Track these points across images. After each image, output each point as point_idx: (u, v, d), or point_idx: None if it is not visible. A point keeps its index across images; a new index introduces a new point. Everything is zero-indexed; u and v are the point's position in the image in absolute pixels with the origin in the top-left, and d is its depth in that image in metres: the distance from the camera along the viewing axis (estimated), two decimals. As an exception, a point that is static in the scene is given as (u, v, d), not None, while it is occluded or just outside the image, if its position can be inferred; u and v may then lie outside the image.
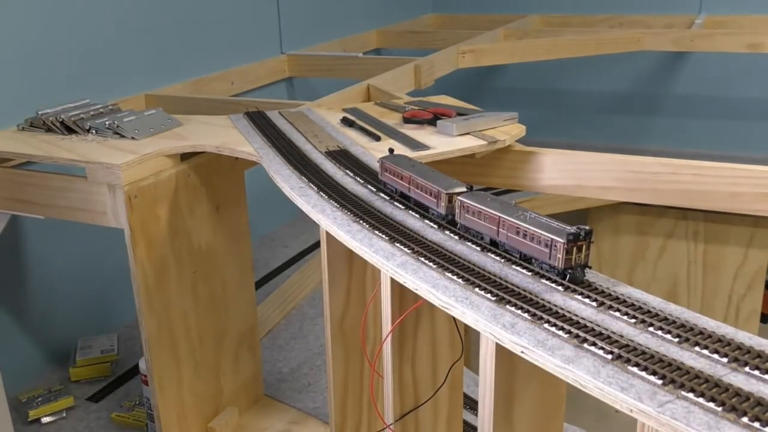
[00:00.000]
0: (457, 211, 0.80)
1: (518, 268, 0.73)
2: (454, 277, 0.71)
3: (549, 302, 0.66)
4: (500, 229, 0.74)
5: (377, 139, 1.22)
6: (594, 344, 0.59)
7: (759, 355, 0.56)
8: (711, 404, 0.51)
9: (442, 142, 1.19)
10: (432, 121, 1.28)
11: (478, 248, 0.77)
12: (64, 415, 1.41)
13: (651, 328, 0.61)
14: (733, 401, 0.51)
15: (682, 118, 2.95)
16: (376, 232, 0.83)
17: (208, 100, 1.70)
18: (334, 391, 1.04)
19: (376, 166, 1.03)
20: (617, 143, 2.82)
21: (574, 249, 0.67)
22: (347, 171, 1.04)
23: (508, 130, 1.24)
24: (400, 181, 0.90)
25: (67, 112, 1.29)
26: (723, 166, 1.12)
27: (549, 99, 3.14)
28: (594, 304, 0.66)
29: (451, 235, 0.81)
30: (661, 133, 2.98)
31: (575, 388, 0.58)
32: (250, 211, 1.33)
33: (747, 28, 2.64)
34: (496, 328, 0.63)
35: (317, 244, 1.95)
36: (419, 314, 0.85)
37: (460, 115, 1.30)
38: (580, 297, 0.67)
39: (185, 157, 1.19)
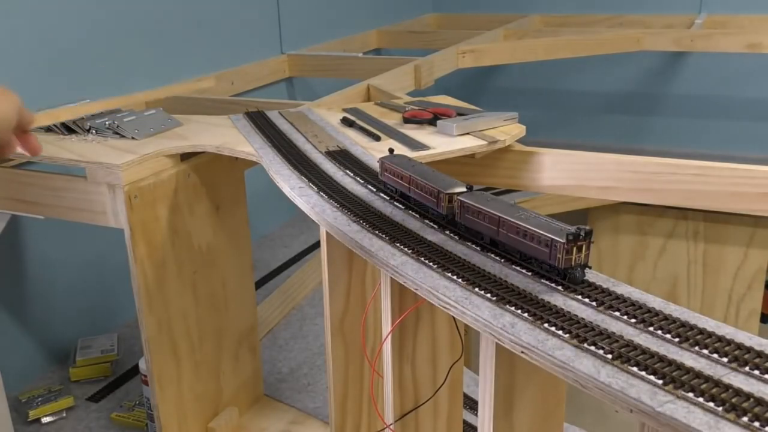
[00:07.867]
0: (457, 211, 0.80)
1: (518, 268, 0.73)
2: (454, 277, 0.71)
3: (549, 302, 0.66)
4: (500, 229, 0.74)
5: (377, 139, 1.22)
6: (594, 344, 0.59)
7: (759, 355, 0.56)
8: (711, 404, 0.51)
9: (442, 142, 1.19)
10: (432, 121, 1.28)
11: (478, 248, 0.77)
12: (64, 415, 1.41)
13: (651, 328, 0.61)
14: (733, 401, 0.51)
15: (682, 118, 2.95)
16: (376, 232, 0.83)
17: (208, 100, 1.70)
18: (334, 391, 1.04)
19: (376, 166, 1.03)
20: (617, 143, 2.82)
21: (574, 249, 0.67)
22: (347, 171, 1.04)
23: (508, 130, 1.24)
24: (400, 181, 0.90)
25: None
26: (723, 166, 1.12)
27: (549, 99, 3.14)
28: (594, 304, 0.65)
29: (451, 235, 0.81)
30: (661, 133, 2.98)
31: (575, 388, 0.58)
32: (250, 211, 1.33)
33: (747, 28, 2.64)
34: (496, 328, 0.63)
35: (317, 244, 1.95)
36: (419, 314, 0.85)
37: (460, 115, 1.30)
38: (580, 297, 0.67)
39: (185, 157, 1.19)
